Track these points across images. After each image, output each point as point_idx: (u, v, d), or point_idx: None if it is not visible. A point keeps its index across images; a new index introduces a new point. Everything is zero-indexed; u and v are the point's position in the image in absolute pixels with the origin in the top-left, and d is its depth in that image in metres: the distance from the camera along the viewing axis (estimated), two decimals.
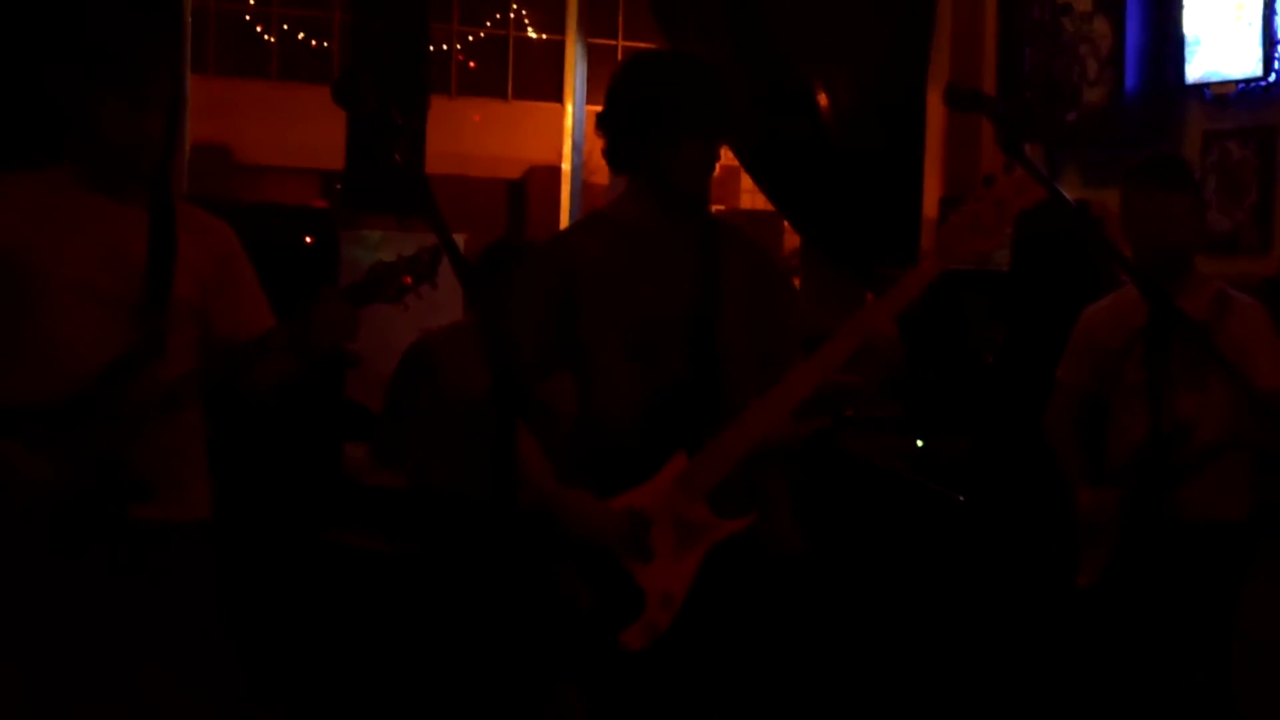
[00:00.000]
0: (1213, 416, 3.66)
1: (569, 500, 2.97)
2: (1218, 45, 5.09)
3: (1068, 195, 2.85)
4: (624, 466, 2.98)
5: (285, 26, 21.63)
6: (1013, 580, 4.56)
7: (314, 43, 21.19)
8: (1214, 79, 5.13)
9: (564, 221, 6.13)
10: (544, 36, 22.05)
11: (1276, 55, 4.96)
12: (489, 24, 22.68)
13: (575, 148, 6.04)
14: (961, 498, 4.81)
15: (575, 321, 3.03)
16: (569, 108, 6.04)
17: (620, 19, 21.16)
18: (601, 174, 8.96)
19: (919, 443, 5.18)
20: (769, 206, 8.22)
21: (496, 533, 4.07)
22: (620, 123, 3.04)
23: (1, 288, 2.89)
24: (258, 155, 19.01)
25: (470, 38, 22.70)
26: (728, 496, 2.95)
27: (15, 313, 2.91)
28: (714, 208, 14.12)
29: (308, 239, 4.75)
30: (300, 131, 15.35)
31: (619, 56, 22.74)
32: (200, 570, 3.05)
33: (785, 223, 8.83)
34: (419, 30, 5.81)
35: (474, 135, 21.97)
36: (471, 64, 22.76)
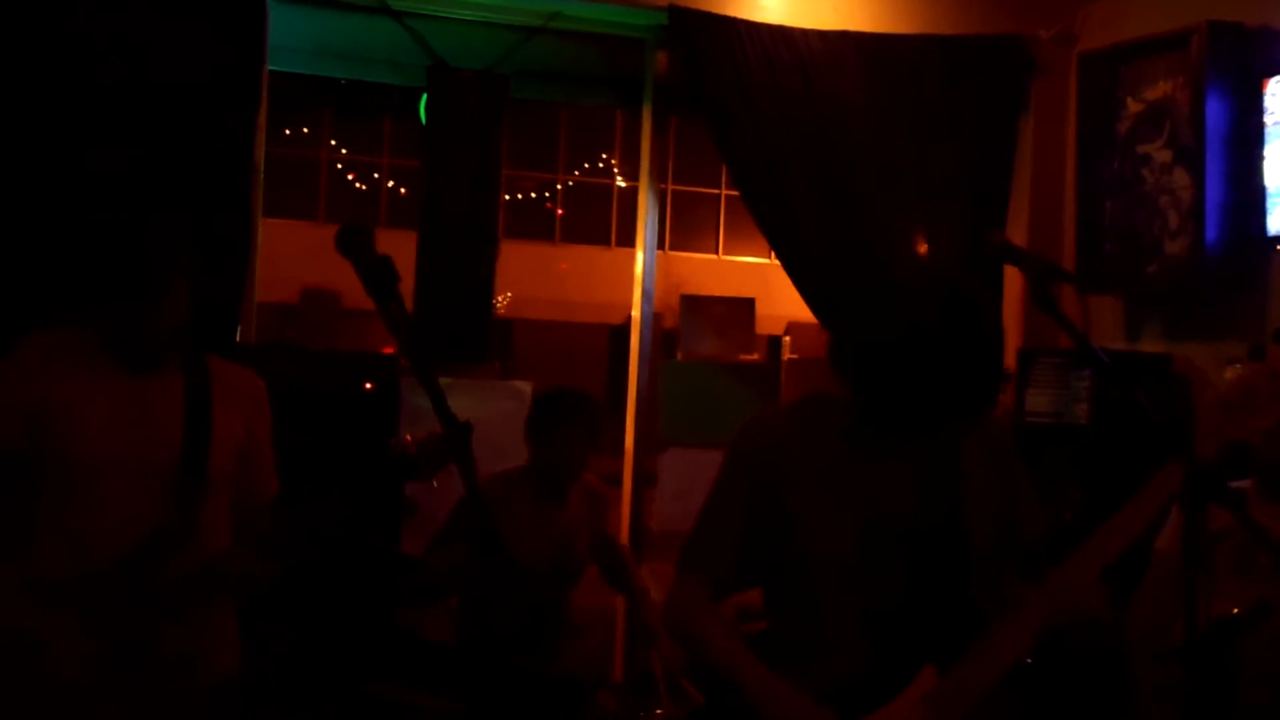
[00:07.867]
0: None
1: (795, 708, 2.47)
2: None
3: (1150, 351, 2.67)
4: (857, 688, 2.51)
5: (375, 176, 22.20)
6: None
7: (402, 191, 21.70)
8: None
9: (633, 373, 6.01)
10: (632, 184, 22.41)
11: None
12: (580, 171, 23.08)
13: (645, 296, 5.94)
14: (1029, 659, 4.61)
15: (785, 517, 2.60)
16: (639, 255, 5.97)
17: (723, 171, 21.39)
18: (672, 318, 8.86)
19: None
20: None
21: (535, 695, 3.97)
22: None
23: (30, 455, 2.81)
24: (363, 301, 19.33)
25: (559, 186, 23.10)
26: (990, 715, 2.52)
27: (44, 484, 2.83)
28: None
29: (368, 385, 4.73)
30: (404, 278, 15.62)
31: (722, 206, 22.97)
32: None
33: None
34: (491, 177, 5.82)
35: (577, 282, 22.20)
36: (559, 211, 23.11)
